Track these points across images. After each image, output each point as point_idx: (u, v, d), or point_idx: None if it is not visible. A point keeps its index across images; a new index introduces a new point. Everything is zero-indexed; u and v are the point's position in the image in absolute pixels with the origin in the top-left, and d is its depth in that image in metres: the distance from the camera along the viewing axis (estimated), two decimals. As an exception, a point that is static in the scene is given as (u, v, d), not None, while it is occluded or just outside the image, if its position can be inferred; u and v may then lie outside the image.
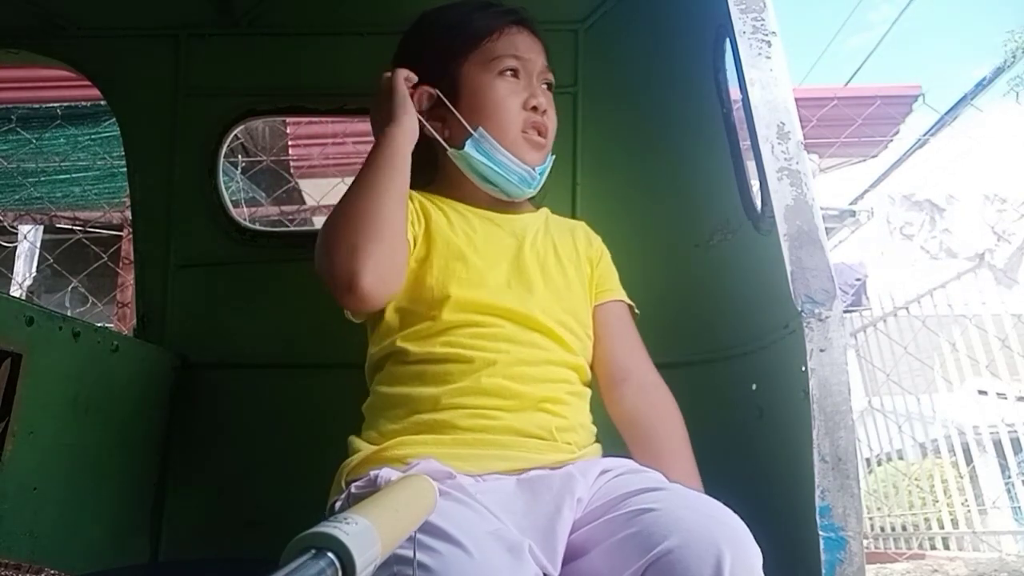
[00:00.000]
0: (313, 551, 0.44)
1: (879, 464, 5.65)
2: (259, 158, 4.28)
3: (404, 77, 1.09)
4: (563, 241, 1.16)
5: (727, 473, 0.98)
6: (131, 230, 2.03)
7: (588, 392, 1.08)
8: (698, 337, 1.24)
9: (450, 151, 1.11)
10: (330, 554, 0.44)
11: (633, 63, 1.47)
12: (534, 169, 1.12)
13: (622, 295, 1.18)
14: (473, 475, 0.90)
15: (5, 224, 4.44)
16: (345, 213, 0.96)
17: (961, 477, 4.62)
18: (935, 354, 4.89)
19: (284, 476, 1.39)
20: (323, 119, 3.81)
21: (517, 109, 1.11)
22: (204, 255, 1.53)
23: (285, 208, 4.73)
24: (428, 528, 0.72)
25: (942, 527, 4.75)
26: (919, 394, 4.93)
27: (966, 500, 4.63)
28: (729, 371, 1.14)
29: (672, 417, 1.06)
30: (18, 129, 3.80)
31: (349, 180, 1.01)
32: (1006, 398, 4.50)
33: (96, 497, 1.25)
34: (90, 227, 4.04)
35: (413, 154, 1.04)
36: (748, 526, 0.77)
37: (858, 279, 6.75)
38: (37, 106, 3.84)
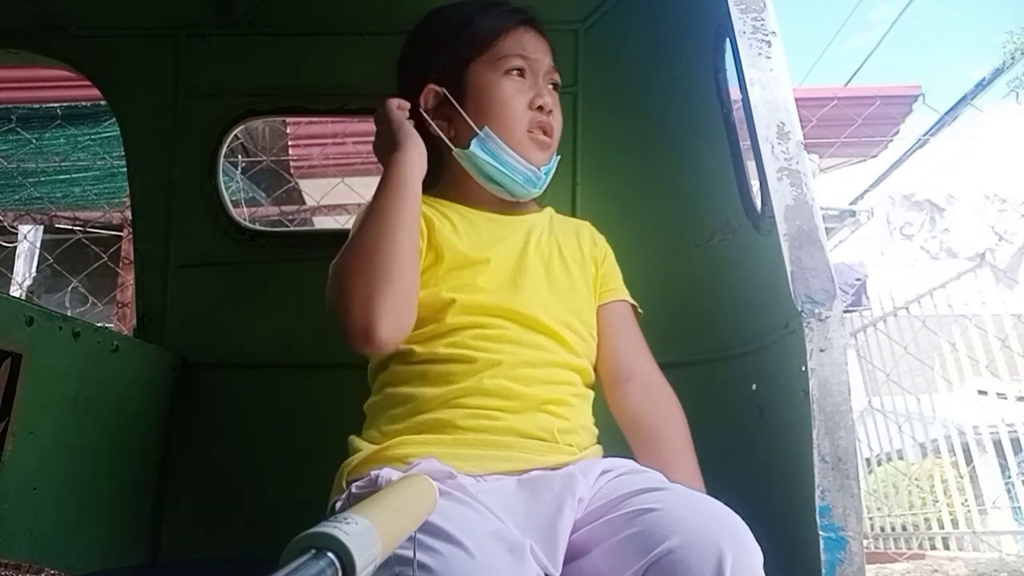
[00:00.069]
0: (313, 551, 0.44)
1: (879, 464, 5.65)
2: (259, 158, 4.28)
3: (397, 105, 1.08)
4: (567, 241, 1.16)
5: (727, 473, 0.98)
6: (131, 230, 2.03)
7: (591, 394, 1.08)
8: (698, 337, 1.24)
9: (455, 150, 1.11)
10: (330, 554, 0.44)
11: (633, 63, 1.47)
12: (539, 169, 1.11)
13: (626, 295, 1.17)
14: (474, 475, 0.90)
15: (5, 224, 4.44)
16: (358, 254, 0.94)
17: (961, 477, 4.62)
18: (935, 354, 4.89)
19: (284, 476, 1.39)
20: (323, 119, 3.81)
21: (523, 109, 1.11)
22: (204, 255, 1.53)
23: (285, 208, 4.73)
24: (428, 528, 0.72)
25: (942, 527, 4.75)
26: (919, 394, 4.93)
27: (966, 500, 4.63)
28: (729, 371, 1.14)
29: (675, 417, 1.06)
30: (18, 129, 3.79)
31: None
32: (1006, 398, 4.50)
33: (96, 497, 1.25)
34: (90, 227, 4.04)
35: None
36: (748, 526, 0.77)
37: (858, 279, 6.76)
38: (37, 106, 3.84)
